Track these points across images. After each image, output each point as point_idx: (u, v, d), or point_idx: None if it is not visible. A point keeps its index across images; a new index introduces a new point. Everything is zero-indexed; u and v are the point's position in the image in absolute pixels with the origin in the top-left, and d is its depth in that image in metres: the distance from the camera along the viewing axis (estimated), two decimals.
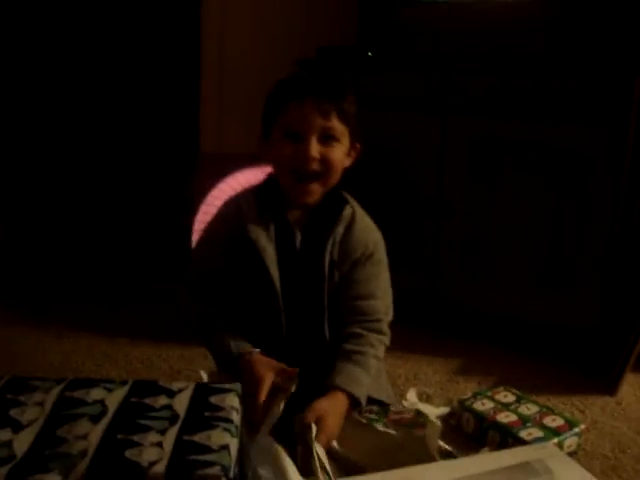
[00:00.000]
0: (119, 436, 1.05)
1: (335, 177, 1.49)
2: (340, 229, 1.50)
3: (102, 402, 1.16)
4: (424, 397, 1.81)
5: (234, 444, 1.08)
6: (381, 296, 1.54)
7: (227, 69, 2.84)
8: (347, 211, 1.52)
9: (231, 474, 1.01)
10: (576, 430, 1.61)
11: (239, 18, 2.82)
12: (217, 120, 2.87)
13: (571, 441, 1.59)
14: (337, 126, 1.44)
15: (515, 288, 2.16)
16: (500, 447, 1.57)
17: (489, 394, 1.75)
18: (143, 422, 1.10)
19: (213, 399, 1.19)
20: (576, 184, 2.04)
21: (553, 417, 1.64)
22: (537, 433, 1.57)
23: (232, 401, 1.18)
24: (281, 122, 1.44)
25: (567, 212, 2.06)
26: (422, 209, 2.22)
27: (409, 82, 2.19)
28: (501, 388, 1.78)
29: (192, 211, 2.14)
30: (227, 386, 1.25)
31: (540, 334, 2.15)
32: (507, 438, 1.57)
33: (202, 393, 1.22)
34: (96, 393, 1.18)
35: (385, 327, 1.54)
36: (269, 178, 1.56)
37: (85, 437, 1.04)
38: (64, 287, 2.60)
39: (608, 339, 2.07)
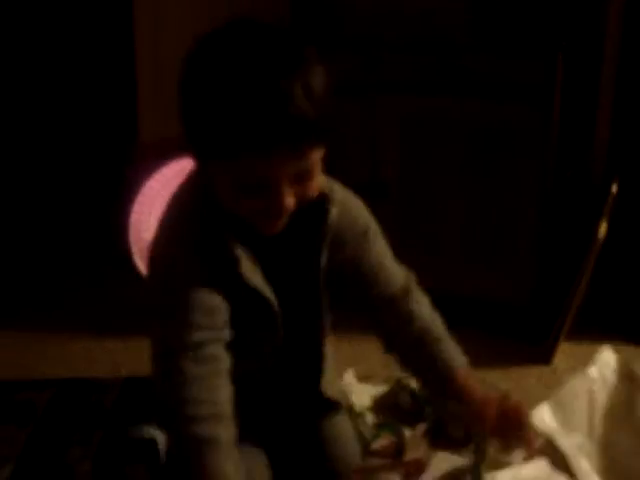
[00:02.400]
0: (46, 436, 1.06)
1: None
2: (329, 234, 1.14)
3: (30, 402, 1.17)
4: (364, 378, 1.84)
5: (162, 437, 1.10)
6: (391, 265, 1.28)
7: (162, 54, 2.82)
8: (333, 212, 1.12)
9: (158, 467, 1.03)
10: None
11: (172, 2, 2.80)
12: (155, 108, 2.85)
13: None
14: (315, 156, 0.99)
15: (452, 264, 2.20)
16: (436, 423, 1.62)
17: None
18: (71, 419, 1.11)
19: (143, 393, 1.21)
20: (507, 159, 2.08)
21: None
22: None
23: None
24: (234, 170, 0.95)
25: (500, 187, 2.11)
26: (356, 191, 2.24)
27: (337, 64, 2.19)
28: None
29: (127, 203, 2.13)
30: None
31: (478, 308, 2.20)
32: (442, 414, 1.62)
33: (132, 387, 1.23)
34: (25, 394, 1.19)
35: (409, 280, 1.30)
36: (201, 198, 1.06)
37: (11, 440, 1.05)
38: None
39: (543, 310, 2.13)
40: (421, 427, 1.59)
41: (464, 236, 2.17)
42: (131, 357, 2.00)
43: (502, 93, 2.04)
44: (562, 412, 1.52)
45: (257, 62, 0.91)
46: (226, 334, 1.03)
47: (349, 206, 1.19)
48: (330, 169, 2.21)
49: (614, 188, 2.03)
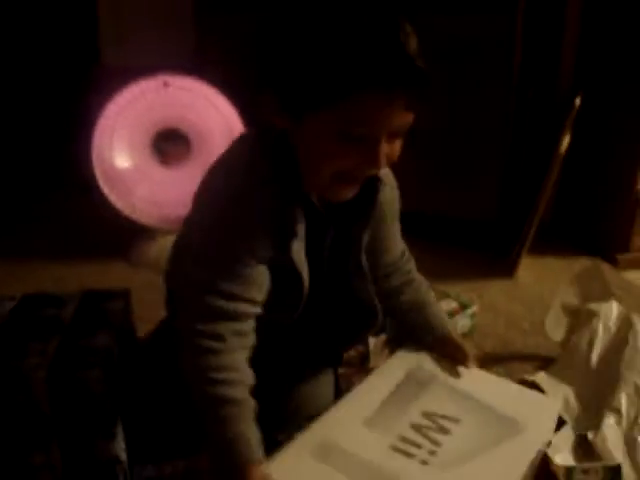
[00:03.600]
0: (2, 346, 1.07)
1: None
2: (375, 212, 1.13)
3: None
4: None
5: (117, 347, 1.12)
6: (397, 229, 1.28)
7: None
8: (383, 190, 1.11)
9: (111, 377, 1.05)
10: (469, 312, 1.70)
11: None
12: (116, 31, 2.79)
13: (464, 322, 1.68)
14: (412, 118, 0.97)
15: (420, 182, 2.20)
16: (396, 333, 1.65)
17: None
18: (28, 332, 1.12)
19: (100, 305, 1.22)
20: (472, 75, 2.06)
21: (447, 301, 1.72)
22: None
23: (118, 305, 1.22)
24: (341, 115, 0.91)
25: (465, 104, 2.10)
26: None
27: None
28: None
29: (89, 126, 2.10)
30: (115, 291, 1.28)
31: (445, 224, 2.22)
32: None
33: (90, 300, 1.24)
34: None
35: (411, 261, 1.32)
36: (276, 147, 1.02)
37: None
38: None
39: (508, 224, 2.16)
40: (382, 337, 1.63)
41: (431, 154, 2.17)
42: (98, 278, 2.02)
43: (466, 6, 2.01)
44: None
45: (369, 7, 0.90)
46: (260, 310, 1.01)
47: (391, 184, 1.18)
48: None
49: (577, 102, 2.03)
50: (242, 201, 0.99)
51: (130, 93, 2.05)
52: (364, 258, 1.16)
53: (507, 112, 2.05)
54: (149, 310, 1.87)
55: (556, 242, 2.23)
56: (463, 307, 1.70)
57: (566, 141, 2.02)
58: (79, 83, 2.67)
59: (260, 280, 1.01)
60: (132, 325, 1.31)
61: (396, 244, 1.27)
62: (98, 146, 2.05)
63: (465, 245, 2.19)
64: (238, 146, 1.06)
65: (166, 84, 2.06)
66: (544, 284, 2.01)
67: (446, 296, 1.76)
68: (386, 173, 1.14)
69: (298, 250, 1.03)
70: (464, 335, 1.68)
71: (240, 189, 0.99)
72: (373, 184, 1.07)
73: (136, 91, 2.06)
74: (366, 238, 1.13)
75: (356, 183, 1.00)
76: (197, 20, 2.43)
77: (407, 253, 1.30)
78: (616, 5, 2.13)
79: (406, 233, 2.23)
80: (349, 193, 1.01)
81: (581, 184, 2.28)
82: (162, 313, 1.86)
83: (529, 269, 2.09)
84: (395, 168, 2.19)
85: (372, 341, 1.58)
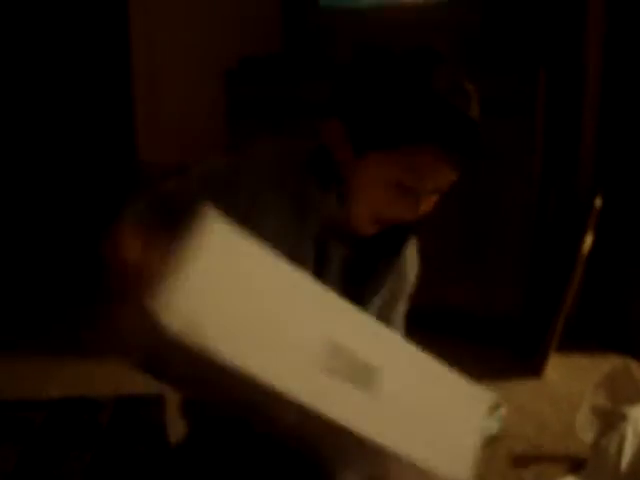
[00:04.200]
0: (40, 453, 1.10)
1: None
2: (392, 273, 1.12)
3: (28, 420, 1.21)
4: None
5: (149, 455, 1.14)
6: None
7: (158, 76, 2.89)
8: (410, 246, 1.13)
9: None
10: (497, 414, 1.69)
11: (166, 29, 2.87)
12: (152, 132, 2.92)
13: (492, 424, 1.68)
14: (456, 178, 1.01)
15: (443, 279, 2.23)
16: None
17: None
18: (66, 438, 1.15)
19: (135, 412, 1.25)
20: (493, 175, 2.11)
21: None
22: None
23: (152, 412, 1.24)
24: (398, 162, 0.96)
25: (488, 203, 2.15)
26: None
27: (329, 88, 2.25)
28: None
29: None
30: (149, 398, 1.31)
31: (469, 322, 2.24)
32: None
33: (126, 406, 1.27)
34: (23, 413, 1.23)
35: None
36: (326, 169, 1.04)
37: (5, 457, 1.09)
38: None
39: (533, 323, 2.17)
40: None
41: (455, 251, 2.21)
42: (131, 378, 2.04)
43: (487, 109, 2.08)
44: None
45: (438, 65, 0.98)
46: None
47: (412, 258, 1.16)
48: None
49: (598, 202, 2.07)
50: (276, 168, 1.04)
51: None
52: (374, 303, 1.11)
53: (530, 212, 2.10)
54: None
55: (583, 340, 2.23)
56: (492, 409, 1.70)
57: (589, 241, 2.05)
58: (118, 182, 2.78)
59: None
60: (165, 430, 1.34)
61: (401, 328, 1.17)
62: None
63: (490, 343, 2.19)
64: (291, 145, 1.09)
65: None
66: (572, 383, 2.00)
67: None
68: (413, 254, 1.15)
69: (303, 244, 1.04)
70: (493, 437, 1.67)
71: (279, 161, 1.05)
72: (402, 233, 1.09)
73: None
74: (381, 293, 1.11)
75: (387, 225, 1.03)
76: (229, 122, 2.54)
77: None
78: (634, 104, 2.20)
79: (429, 330, 2.25)
80: (374, 231, 1.04)
81: (607, 282, 2.30)
82: None
83: (557, 368, 2.09)
84: (424, 263, 2.23)
85: None
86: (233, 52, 2.53)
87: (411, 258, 1.15)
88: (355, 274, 1.11)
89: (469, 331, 2.23)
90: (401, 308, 1.18)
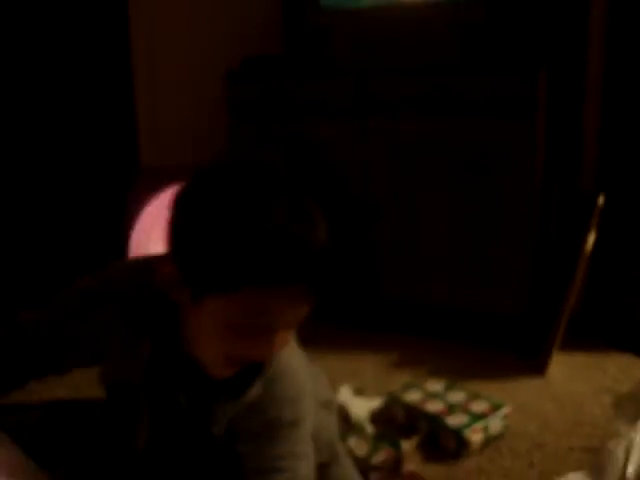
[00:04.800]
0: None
1: None
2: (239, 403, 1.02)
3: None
4: (359, 392, 1.88)
5: None
6: (294, 459, 1.06)
7: (160, 82, 2.89)
8: (256, 389, 1.01)
9: None
10: (501, 413, 1.69)
11: (167, 31, 2.88)
12: (154, 133, 2.92)
13: (496, 424, 1.67)
14: (307, 310, 0.94)
15: (446, 279, 2.24)
16: (429, 435, 1.65)
17: (419, 385, 1.82)
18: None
19: None
20: (496, 175, 2.12)
21: (479, 402, 1.72)
22: (463, 419, 1.65)
23: None
24: (243, 305, 0.88)
25: (490, 202, 2.14)
26: (351, 212, 2.29)
27: (330, 88, 2.26)
28: (431, 378, 1.86)
29: (127, 228, 2.18)
30: None
31: (472, 321, 2.24)
32: (434, 426, 1.65)
33: None
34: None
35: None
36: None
37: None
38: None
39: (537, 322, 2.17)
40: (415, 439, 1.63)
41: (457, 251, 2.21)
42: None
43: (488, 111, 2.09)
44: None
45: (273, 194, 0.88)
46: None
47: (274, 398, 1.03)
48: (326, 191, 2.29)
49: (600, 200, 2.07)
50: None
51: (168, 196, 2.14)
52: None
53: (532, 212, 2.09)
54: None
55: (587, 339, 2.23)
56: (495, 408, 1.70)
57: (591, 239, 2.05)
58: (119, 184, 2.78)
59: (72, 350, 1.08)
60: None
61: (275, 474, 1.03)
62: (135, 248, 2.12)
63: (493, 342, 2.19)
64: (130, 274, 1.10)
65: None
66: (576, 382, 2.00)
67: (477, 397, 1.76)
68: (290, 382, 1.04)
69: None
70: (497, 436, 1.67)
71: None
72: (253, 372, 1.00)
73: (172, 195, 2.14)
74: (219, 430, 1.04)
75: (243, 366, 0.96)
76: (230, 123, 2.54)
77: None
78: (636, 103, 2.20)
79: (432, 329, 2.26)
80: (231, 373, 0.97)
81: (611, 280, 2.29)
82: None
83: (560, 366, 2.08)
84: (425, 263, 2.24)
85: (404, 444, 1.58)
86: (234, 53, 2.53)
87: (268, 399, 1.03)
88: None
89: (472, 330, 2.23)
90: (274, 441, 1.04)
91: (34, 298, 2.60)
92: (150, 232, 2.11)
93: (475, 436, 1.62)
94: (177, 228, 0.92)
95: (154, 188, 2.27)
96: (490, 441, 1.66)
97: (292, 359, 1.06)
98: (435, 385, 1.81)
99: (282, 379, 1.03)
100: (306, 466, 1.06)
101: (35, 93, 2.89)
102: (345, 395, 1.76)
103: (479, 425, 1.63)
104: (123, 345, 1.02)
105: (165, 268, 0.93)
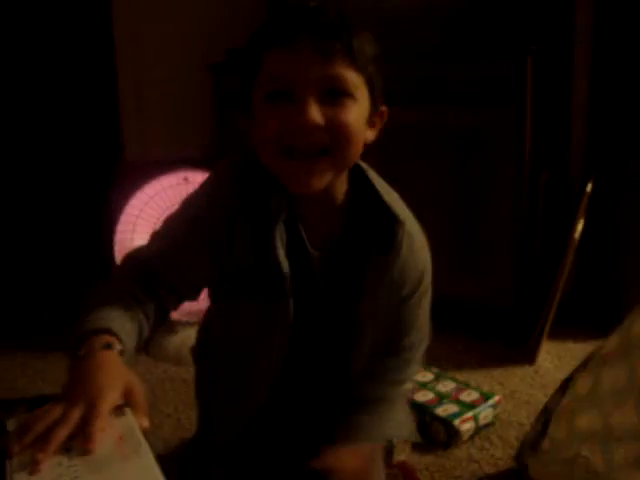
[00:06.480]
0: None
1: (353, 155, 1.00)
2: (392, 260, 1.05)
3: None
4: None
5: None
6: (418, 328, 1.19)
7: (144, 78, 2.86)
8: (400, 234, 1.04)
9: None
10: (491, 402, 1.68)
11: (150, 23, 2.84)
12: (138, 129, 2.89)
13: (486, 413, 1.67)
14: (347, 74, 0.93)
15: (433, 268, 2.22)
16: (419, 426, 1.64)
17: None
18: None
19: None
20: (484, 162, 2.10)
21: (469, 392, 1.71)
22: (452, 408, 1.64)
23: None
24: (262, 80, 0.95)
25: (477, 191, 2.13)
26: None
27: None
28: (420, 368, 1.85)
29: (111, 223, 2.15)
30: None
31: (460, 311, 2.22)
32: (424, 416, 1.64)
33: None
34: None
35: (413, 355, 1.20)
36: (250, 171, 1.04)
37: None
38: None
39: (525, 311, 2.16)
40: None
41: (444, 240, 2.20)
42: None
43: (476, 98, 2.07)
44: None
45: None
46: (168, 299, 1.03)
47: (416, 249, 1.10)
48: None
49: (589, 187, 2.06)
50: (211, 195, 1.04)
51: (152, 189, 2.12)
52: (381, 311, 1.08)
53: (520, 199, 2.08)
54: (168, 404, 1.88)
55: (576, 326, 2.22)
56: (485, 397, 1.69)
57: (580, 226, 2.05)
58: (104, 178, 2.76)
59: (193, 276, 1.04)
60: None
61: (403, 337, 1.14)
62: (120, 241, 2.10)
63: (483, 331, 2.18)
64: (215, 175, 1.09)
65: (186, 180, 2.12)
66: (565, 370, 1.98)
67: (467, 386, 1.75)
68: (418, 243, 1.10)
69: (278, 250, 1.00)
70: (487, 425, 1.66)
71: (211, 190, 1.06)
72: (390, 225, 1.03)
73: (157, 187, 2.12)
74: (386, 291, 1.06)
75: (304, 158, 0.94)
76: (216, 115, 2.52)
77: (414, 350, 1.18)
78: (624, 88, 2.19)
79: None
80: (314, 176, 0.96)
81: (599, 268, 2.29)
82: (181, 406, 1.86)
83: (549, 355, 2.08)
84: None
85: None
86: (219, 44, 2.51)
87: (411, 255, 1.07)
88: (341, 280, 1.07)
89: (461, 319, 2.22)
90: (411, 305, 1.13)
91: (19, 293, 2.62)
92: (135, 225, 2.09)
93: (465, 425, 1.61)
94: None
95: (138, 182, 2.24)
96: (480, 430, 1.65)
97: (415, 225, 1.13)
98: (425, 375, 1.80)
99: (415, 233, 1.10)
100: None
101: (18, 88, 2.87)
102: None
103: (469, 414, 1.62)
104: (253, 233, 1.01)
105: (241, 124, 1.01)
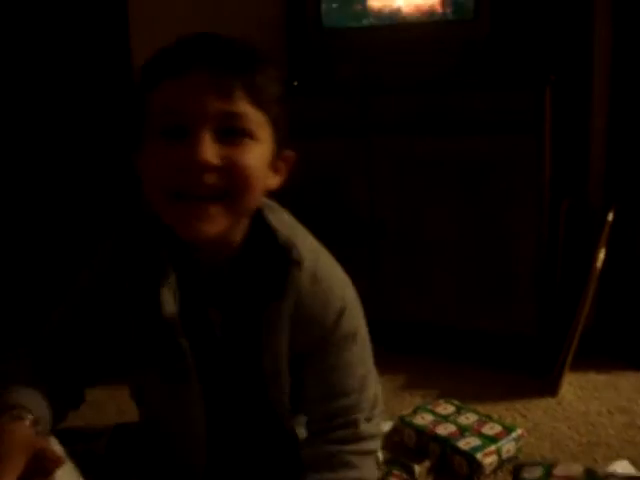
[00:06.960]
0: None
1: (251, 201, 0.92)
2: (286, 305, 0.95)
3: None
4: None
5: None
6: (357, 387, 1.03)
7: None
8: (294, 276, 0.94)
9: None
10: (514, 435, 1.65)
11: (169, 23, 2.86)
12: None
13: (509, 446, 1.63)
14: (249, 111, 0.86)
15: (453, 299, 2.20)
16: (441, 459, 1.62)
17: (429, 407, 1.79)
18: None
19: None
20: (502, 193, 2.09)
21: (491, 425, 1.69)
22: (475, 442, 1.61)
23: None
24: (152, 114, 0.88)
25: (497, 221, 2.11)
26: (356, 231, 2.26)
27: (332, 107, 2.25)
28: (441, 400, 1.83)
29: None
30: None
31: (481, 342, 2.20)
32: (446, 449, 1.62)
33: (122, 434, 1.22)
34: None
35: (366, 428, 1.02)
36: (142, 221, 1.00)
37: None
38: None
39: (547, 342, 2.13)
40: (427, 463, 1.59)
41: (464, 271, 2.18)
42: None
43: (493, 127, 2.06)
44: None
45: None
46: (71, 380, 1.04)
47: (322, 289, 0.97)
48: (331, 210, 2.27)
49: (610, 216, 2.04)
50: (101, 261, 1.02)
51: None
52: (282, 362, 0.97)
53: (541, 229, 2.06)
54: None
55: (598, 357, 2.19)
56: (507, 431, 1.66)
57: (602, 255, 2.02)
58: (117, 176, 2.72)
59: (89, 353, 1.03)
60: None
61: (337, 398, 1.00)
62: None
63: (505, 362, 2.15)
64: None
65: None
66: (588, 402, 1.96)
67: (489, 419, 1.72)
68: (325, 281, 0.98)
69: (168, 303, 0.94)
70: (510, 459, 1.63)
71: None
72: (283, 266, 0.94)
73: None
74: (284, 341, 0.95)
75: (195, 201, 0.86)
76: None
77: (364, 431, 1.01)
78: None
79: (443, 351, 2.22)
80: (198, 223, 0.87)
81: (622, 297, 2.26)
82: None
83: (572, 386, 2.04)
84: (433, 283, 2.20)
85: (417, 468, 1.54)
86: None
87: (316, 296, 0.97)
88: (241, 334, 0.99)
89: (483, 351, 2.19)
90: (333, 353, 1.00)
91: (32, 291, 2.57)
92: None
93: (488, 459, 1.58)
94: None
95: None
96: (503, 464, 1.62)
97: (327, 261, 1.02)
98: (446, 408, 1.78)
99: (321, 269, 0.98)
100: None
101: (33, 89, 2.84)
102: None
103: (492, 448, 1.59)
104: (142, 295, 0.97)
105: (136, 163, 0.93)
